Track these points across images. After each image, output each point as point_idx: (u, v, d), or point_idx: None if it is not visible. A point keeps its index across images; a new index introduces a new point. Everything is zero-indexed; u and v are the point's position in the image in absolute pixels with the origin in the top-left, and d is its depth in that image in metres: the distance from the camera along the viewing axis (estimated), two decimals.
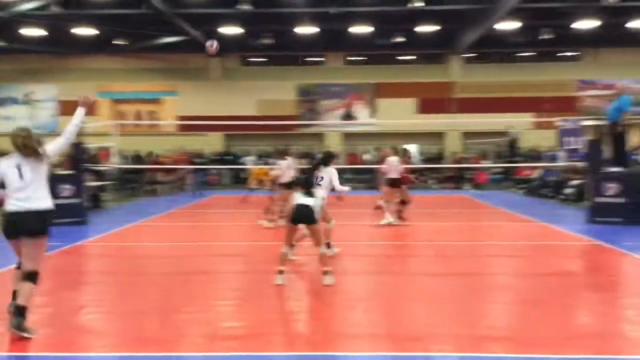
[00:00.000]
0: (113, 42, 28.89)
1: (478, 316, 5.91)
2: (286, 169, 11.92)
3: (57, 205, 12.81)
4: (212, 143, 30.03)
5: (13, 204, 5.23)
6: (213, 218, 14.36)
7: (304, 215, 7.02)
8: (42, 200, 5.33)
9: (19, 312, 5.11)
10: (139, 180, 22.14)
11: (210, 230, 12.88)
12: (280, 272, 7.04)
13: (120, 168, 20.14)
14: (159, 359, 4.81)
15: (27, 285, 5.22)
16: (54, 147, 5.54)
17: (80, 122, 5.75)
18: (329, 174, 8.46)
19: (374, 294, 6.77)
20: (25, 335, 5.08)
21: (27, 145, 5.25)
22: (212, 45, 14.07)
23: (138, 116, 31.30)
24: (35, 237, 5.26)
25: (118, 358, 4.87)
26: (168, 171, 22.20)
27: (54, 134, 24.29)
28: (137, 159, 24.79)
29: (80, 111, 5.74)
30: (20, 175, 5.22)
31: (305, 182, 7.44)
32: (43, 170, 5.37)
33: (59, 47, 30.61)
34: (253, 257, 9.52)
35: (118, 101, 31.93)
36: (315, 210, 7.11)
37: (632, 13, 25.05)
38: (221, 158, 29.41)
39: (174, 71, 31.89)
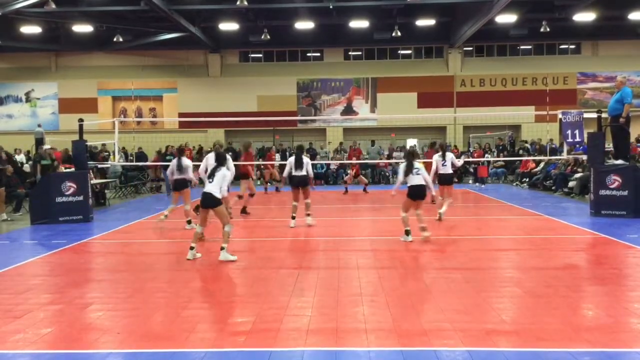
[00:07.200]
0: (113, 39, 28.89)
1: (485, 310, 5.91)
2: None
3: (62, 203, 12.82)
4: (212, 139, 29.98)
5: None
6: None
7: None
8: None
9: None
10: (143, 178, 22.12)
11: (215, 226, 12.85)
12: None
13: (123, 165, 20.10)
14: (166, 355, 4.81)
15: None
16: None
17: None
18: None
19: (381, 288, 6.77)
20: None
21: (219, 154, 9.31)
22: None
23: (139, 113, 31.29)
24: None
25: (125, 354, 4.88)
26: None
27: (56, 132, 24.18)
28: (141, 156, 24.73)
29: None
30: None
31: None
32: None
33: (59, 45, 30.61)
34: (258, 252, 9.53)
35: (118, 98, 31.94)
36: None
37: (631, 5, 25.02)
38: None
39: (173, 68, 31.85)
